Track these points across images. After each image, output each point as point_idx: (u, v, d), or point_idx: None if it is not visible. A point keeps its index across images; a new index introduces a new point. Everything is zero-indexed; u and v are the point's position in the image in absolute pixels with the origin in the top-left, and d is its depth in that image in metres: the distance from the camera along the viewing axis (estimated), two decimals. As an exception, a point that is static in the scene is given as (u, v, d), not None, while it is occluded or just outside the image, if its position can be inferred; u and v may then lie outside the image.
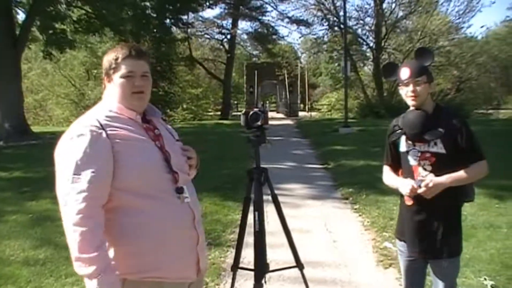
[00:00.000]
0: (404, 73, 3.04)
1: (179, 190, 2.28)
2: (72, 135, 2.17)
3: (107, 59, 2.34)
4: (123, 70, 2.28)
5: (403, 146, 3.16)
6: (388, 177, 3.33)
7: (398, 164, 3.26)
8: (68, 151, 2.14)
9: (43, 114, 40.85)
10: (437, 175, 2.97)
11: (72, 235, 2.06)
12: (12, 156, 13.89)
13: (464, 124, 3.05)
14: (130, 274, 2.16)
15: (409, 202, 3.11)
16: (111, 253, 2.16)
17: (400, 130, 3.17)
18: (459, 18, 36.95)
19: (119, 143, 2.17)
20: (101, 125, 2.18)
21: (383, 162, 3.41)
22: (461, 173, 2.96)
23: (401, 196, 3.20)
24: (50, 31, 18.88)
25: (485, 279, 4.70)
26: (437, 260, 3.08)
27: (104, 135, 2.15)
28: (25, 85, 30.02)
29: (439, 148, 2.98)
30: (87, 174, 2.07)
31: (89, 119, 2.23)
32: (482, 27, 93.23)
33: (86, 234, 2.03)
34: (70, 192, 2.07)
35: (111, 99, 2.33)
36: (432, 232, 3.04)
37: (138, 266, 2.18)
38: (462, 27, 38.54)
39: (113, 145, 2.15)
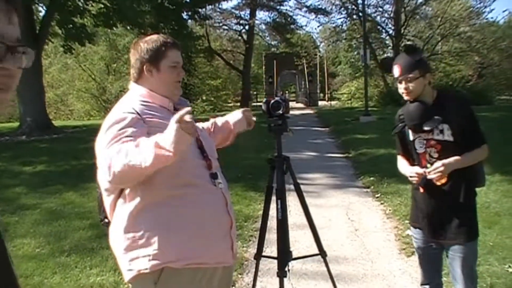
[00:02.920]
0: (395, 70, 3.07)
1: (214, 176, 2.32)
2: (113, 121, 2.18)
3: (151, 47, 2.34)
4: (171, 58, 2.33)
5: (410, 135, 3.18)
6: (401, 166, 3.35)
7: (409, 153, 3.27)
8: (112, 133, 2.13)
9: (64, 109, 41.16)
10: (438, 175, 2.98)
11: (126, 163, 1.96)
12: (35, 150, 14.03)
13: (467, 107, 3.08)
14: (171, 263, 2.18)
15: (421, 189, 3.11)
16: (153, 242, 2.17)
17: (401, 123, 3.22)
18: (480, 3, 36.26)
19: (155, 130, 2.14)
20: (137, 112, 2.21)
21: (396, 152, 3.44)
22: (466, 156, 2.97)
23: (413, 183, 3.21)
24: (70, 25, 19.02)
25: (509, 266, 4.66)
26: (453, 246, 3.06)
27: (141, 120, 2.19)
28: (46, 80, 30.30)
29: (446, 136, 2.98)
30: (129, 133, 2.09)
31: (126, 106, 2.26)
32: (504, 11, 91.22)
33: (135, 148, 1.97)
34: (111, 151, 2.04)
35: (145, 87, 2.36)
36: (445, 218, 3.04)
37: (180, 254, 2.19)
38: (484, 12, 37.72)
39: (150, 132, 2.14)
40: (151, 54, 2.33)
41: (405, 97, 3.11)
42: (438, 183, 2.99)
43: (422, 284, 3.37)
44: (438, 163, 2.94)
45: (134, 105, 2.25)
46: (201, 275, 2.26)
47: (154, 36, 2.41)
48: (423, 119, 3.00)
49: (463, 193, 3.03)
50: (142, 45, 2.37)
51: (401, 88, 3.08)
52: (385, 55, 42.36)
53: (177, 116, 1.83)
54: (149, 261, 2.16)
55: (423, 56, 3.21)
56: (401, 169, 3.36)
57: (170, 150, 1.85)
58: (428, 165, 3.05)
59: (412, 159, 3.24)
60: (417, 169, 3.06)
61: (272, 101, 3.34)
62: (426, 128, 3.01)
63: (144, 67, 2.35)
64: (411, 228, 3.38)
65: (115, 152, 2.00)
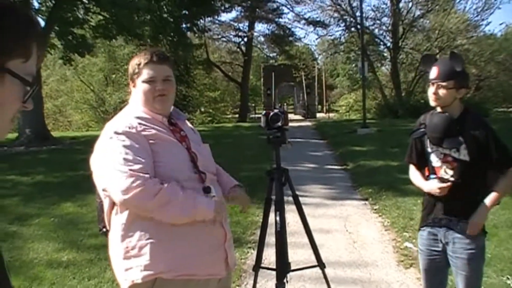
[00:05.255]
0: (433, 72, 3.00)
1: (206, 190, 2.34)
2: (110, 135, 2.25)
3: (131, 65, 2.44)
4: (144, 75, 2.38)
5: (429, 146, 3.15)
6: (415, 178, 3.33)
7: (422, 163, 3.24)
8: (111, 148, 2.22)
9: (62, 120, 41.20)
10: (458, 180, 2.96)
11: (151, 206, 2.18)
12: (34, 161, 14.02)
13: (490, 130, 3.01)
14: (163, 273, 2.21)
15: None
16: (145, 253, 2.21)
17: (423, 129, 3.15)
18: (477, 16, 36.57)
19: (151, 144, 2.26)
20: (133, 126, 2.27)
21: (405, 159, 3.40)
22: (499, 189, 2.97)
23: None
24: (69, 37, 19.08)
25: (507, 278, 4.67)
26: (459, 259, 3.04)
27: (140, 134, 2.25)
28: (45, 91, 30.31)
29: (462, 155, 2.95)
30: (131, 157, 2.17)
31: (122, 121, 2.33)
32: (501, 24, 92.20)
33: (157, 197, 2.15)
34: (120, 177, 2.14)
35: (137, 103, 2.42)
36: (458, 208, 3.03)
37: (171, 265, 2.23)
38: (481, 25, 38.09)
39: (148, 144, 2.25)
40: (131, 72, 2.44)
41: (432, 103, 3.04)
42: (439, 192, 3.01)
43: None
44: (473, 222, 2.96)
45: (130, 119, 2.33)
46: (193, 287, 2.29)
47: (142, 53, 2.50)
48: (445, 134, 2.96)
49: (472, 208, 3.01)
50: (130, 63, 2.48)
51: (430, 91, 3.02)
52: (383, 67, 42.54)
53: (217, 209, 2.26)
54: (141, 272, 2.21)
55: (465, 69, 3.11)
56: (414, 181, 3.35)
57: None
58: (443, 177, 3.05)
59: (428, 169, 3.21)
60: (436, 182, 3.05)
61: (271, 113, 3.36)
62: (444, 145, 2.98)
63: (130, 84, 2.47)
64: (419, 234, 3.34)
65: (142, 187, 2.12)
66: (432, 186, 3.08)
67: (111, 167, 2.18)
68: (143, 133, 2.26)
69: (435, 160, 3.10)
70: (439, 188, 3.01)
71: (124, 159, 2.16)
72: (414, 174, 3.35)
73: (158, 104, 2.38)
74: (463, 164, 2.96)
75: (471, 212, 2.98)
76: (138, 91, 2.41)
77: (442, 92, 2.95)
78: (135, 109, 2.40)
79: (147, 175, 2.13)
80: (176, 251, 2.24)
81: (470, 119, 3.03)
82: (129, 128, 2.25)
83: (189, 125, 2.64)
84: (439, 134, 2.99)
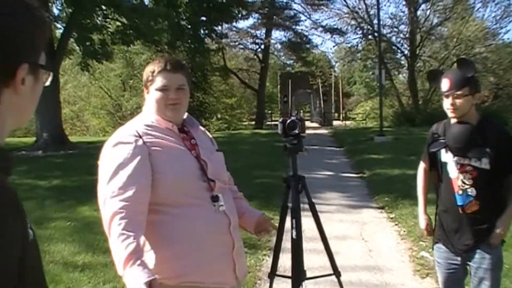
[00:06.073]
0: (444, 84, 2.98)
1: (215, 199, 2.32)
2: (112, 143, 2.28)
3: (145, 72, 2.44)
4: (158, 83, 2.37)
5: (444, 156, 3.12)
6: (420, 184, 3.49)
7: (433, 167, 3.28)
8: (108, 158, 2.25)
9: (80, 125, 41.54)
10: (477, 189, 2.95)
11: (111, 237, 2.12)
12: (51, 165, 14.15)
13: (509, 135, 3.02)
14: (167, 279, 2.20)
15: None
16: (149, 258, 2.21)
17: (442, 141, 3.12)
18: (496, 24, 36.14)
19: (156, 151, 2.26)
20: (139, 134, 2.27)
21: (421, 158, 3.46)
22: None
23: (441, 203, 3.22)
24: (88, 43, 19.26)
25: (526, 289, 4.61)
26: (479, 269, 3.02)
27: (141, 142, 2.25)
28: (62, 97, 30.61)
29: (484, 164, 2.93)
30: (123, 179, 2.16)
31: (129, 128, 2.34)
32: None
33: (122, 236, 2.07)
34: (108, 196, 2.16)
35: (149, 110, 2.42)
36: (470, 235, 3.02)
37: (175, 271, 2.22)
38: (500, 33, 37.66)
39: (150, 153, 2.24)
40: (145, 79, 2.43)
41: (450, 114, 3.03)
42: (469, 211, 2.99)
43: None
44: (497, 230, 2.96)
45: (138, 127, 2.33)
46: None
47: (156, 60, 2.50)
48: (469, 144, 2.94)
49: (489, 217, 3.00)
50: (145, 69, 2.47)
51: (447, 103, 2.99)
52: (400, 75, 42.35)
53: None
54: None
55: (475, 74, 3.13)
56: (418, 185, 3.51)
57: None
58: (460, 192, 3.02)
59: (439, 178, 3.22)
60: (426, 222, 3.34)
61: (288, 120, 3.36)
62: (469, 156, 2.95)
63: (144, 90, 2.46)
64: (435, 247, 3.33)
65: (108, 214, 2.13)
66: (422, 224, 3.41)
67: (102, 179, 2.22)
68: (149, 140, 2.27)
69: (452, 171, 3.07)
70: (425, 230, 3.33)
71: (115, 171, 2.18)
72: (420, 178, 3.50)
73: (170, 112, 2.38)
74: (482, 173, 2.93)
75: (489, 230, 2.98)
76: (151, 99, 2.41)
77: (459, 101, 2.93)
78: (146, 116, 2.41)
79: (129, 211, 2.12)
80: (181, 257, 2.24)
81: (490, 127, 3.03)
82: (135, 136, 2.26)
83: (206, 132, 2.64)
84: (462, 144, 2.96)
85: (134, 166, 2.19)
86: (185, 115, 2.51)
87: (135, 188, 2.16)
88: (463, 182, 3.00)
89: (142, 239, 2.16)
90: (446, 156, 3.10)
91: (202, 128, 2.63)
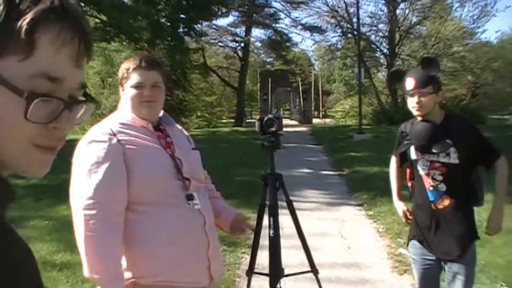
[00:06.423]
0: (409, 83, 3.03)
1: (189, 197, 2.30)
2: (86, 142, 2.26)
3: (121, 69, 2.42)
4: (132, 80, 2.36)
5: (413, 154, 3.19)
6: (392, 173, 3.60)
7: (403, 164, 3.39)
8: (82, 157, 2.23)
9: (58, 122, 41.15)
10: (447, 185, 3.01)
11: (80, 240, 2.11)
12: (29, 164, 13.99)
13: (474, 128, 3.10)
14: (141, 278, 2.19)
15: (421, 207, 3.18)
16: (123, 257, 2.20)
17: (408, 141, 3.19)
18: (473, 23, 36.51)
19: (130, 149, 2.23)
20: (113, 132, 2.25)
21: (393, 154, 3.54)
22: (500, 186, 3.06)
23: (415, 200, 3.27)
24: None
25: (501, 285, 4.68)
26: (450, 263, 3.07)
27: (115, 140, 2.22)
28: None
29: (452, 159, 2.98)
30: (97, 179, 2.14)
31: (103, 127, 2.31)
32: (497, 32, 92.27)
33: (94, 239, 2.07)
34: (81, 197, 2.14)
35: (125, 108, 2.41)
36: (444, 233, 3.07)
37: (148, 270, 2.20)
38: (477, 32, 38.10)
39: (124, 151, 2.21)
40: (120, 76, 2.42)
41: (415, 113, 3.07)
42: (441, 206, 3.03)
43: None
44: (493, 227, 3.07)
45: (112, 124, 2.30)
46: None
47: (131, 57, 2.50)
48: (432, 140, 2.98)
49: (462, 211, 3.06)
50: (121, 66, 2.46)
51: (412, 102, 3.03)
52: (379, 74, 42.60)
53: None
54: None
55: (439, 71, 3.19)
56: (390, 177, 3.64)
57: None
58: (431, 188, 3.07)
59: (411, 174, 3.30)
60: (404, 207, 3.40)
61: (266, 118, 3.37)
62: (434, 151, 3.00)
63: (120, 88, 2.45)
64: (410, 244, 3.36)
65: (81, 216, 2.12)
66: (399, 211, 3.44)
67: (75, 179, 2.21)
68: (123, 138, 2.24)
69: (421, 169, 3.13)
70: (403, 217, 3.38)
71: (88, 170, 2.17)
72: (392, 170, 3.60)
73: (145, 109, 2.36)
74: (452, 168, 2.99)
75: (462, 225, 3.06)
76: (126, 96, 2.39)
77: (424, 99, 2.99)
78: (121, 114, 2.39)
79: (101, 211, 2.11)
80: (155, 257, 2.21)
81: (455, 122, 3.09)
82: (109, 134, 2.23)
83: (182, 131, 2.63)
84: (425, 142, 3.02)
85: (108, 165, 2.17)
86: (161, 113, 2.49)
87: (110, 187, 2.14)
88: (434, 179, 3.05)
89: (119, 242, 2.14)
90: (415, 154, 3.16)
91: (179, 126, 2.61)
